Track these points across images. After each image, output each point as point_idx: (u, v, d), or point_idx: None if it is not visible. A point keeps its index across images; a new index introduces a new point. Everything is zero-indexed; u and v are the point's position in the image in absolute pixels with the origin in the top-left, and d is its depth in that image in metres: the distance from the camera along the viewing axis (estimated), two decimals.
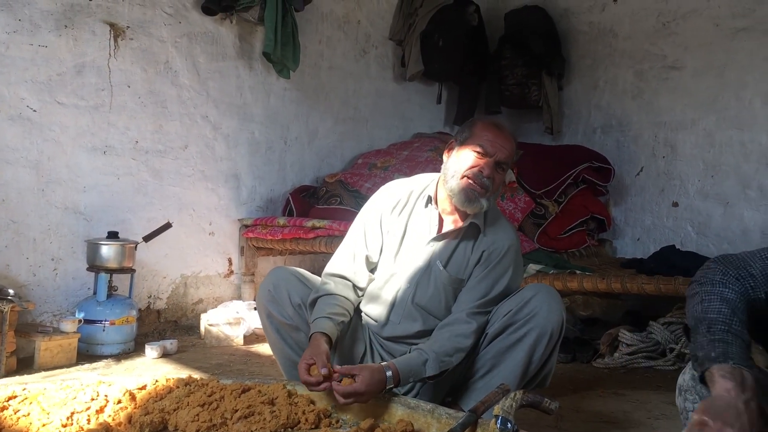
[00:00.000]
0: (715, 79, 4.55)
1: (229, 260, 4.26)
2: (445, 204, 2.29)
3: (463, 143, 2.24)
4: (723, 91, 4.51)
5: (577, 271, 3.64)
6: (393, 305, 2.31)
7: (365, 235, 2.34)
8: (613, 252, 4.94)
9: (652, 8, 4.88)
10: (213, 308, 3.93)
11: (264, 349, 3.52)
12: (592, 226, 4.64)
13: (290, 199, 4.36)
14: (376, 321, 2.35)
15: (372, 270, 2.36)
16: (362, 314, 2.39)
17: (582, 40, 5.31)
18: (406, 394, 2.16)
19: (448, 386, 2.29)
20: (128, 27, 3.70)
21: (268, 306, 2.29)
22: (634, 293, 3.49)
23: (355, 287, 2.33)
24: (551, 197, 4.38)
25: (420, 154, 4.52)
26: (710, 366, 1.34)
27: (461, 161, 2.21)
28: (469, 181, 2.17)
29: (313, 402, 2.01)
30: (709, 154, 4.57)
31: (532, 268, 3.64)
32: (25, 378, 2.81)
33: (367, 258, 2.33)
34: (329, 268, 2.34)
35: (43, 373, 2.92)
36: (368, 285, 2.35)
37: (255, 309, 3.60)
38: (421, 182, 2.39)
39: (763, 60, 4.33)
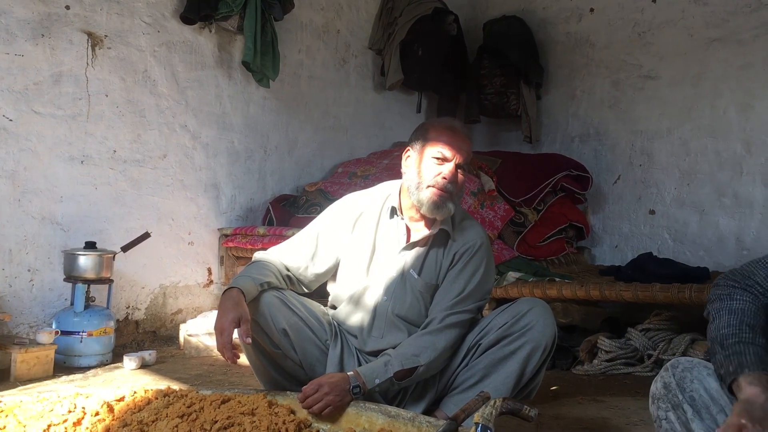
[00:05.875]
0: (690, 89, 4.61)
1: (209, 270, 4.24)
2: (410, 212, 2.30)
3: (420, 150, 2.25)
4: (698, 100, 4.58)
5: (557, 279, 3.67)
6: (373, 319, 2.30)
7: (317, 246, 2.35)
8: (591, 259, 4.99)
9: (628, 19, 4.95)
10: (192, 318, 3.90)
11: (244, 359, 3.48)
12: (570, 233, 4.69)
13: (270, 208, 4.35)
14: (356, 336, 2.33)
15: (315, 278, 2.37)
16: (343, 330, 2.37)
17: (559, 50, 5.37)
18: (390, 403, 2.15)
19: (435, 395, 2.28)
20: (106, 36, 3.68)
21: (253, 335, 2.16)
22: (612, 300, 3.52)
23: (291, 280, 2.33)
24: (530, 205, 4.42)
25: (400, 163, 4.52)
26: (733, 379, 1.39)
27: (423, 171, 2.22)
28: (435, 190, 2.19)
29: (293, 412, 2.01)
30: (685, 163, 4.63)
31: (512, 276, 3.66)
32: (1, 390, 2.77)
33: (310, 263, 2.34)
34: (279, 255, 2.34)
35: (20, 386, 2.88)
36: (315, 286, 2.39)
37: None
38: (382, 193, 2.39)
39: (736, 69, 4.40)
